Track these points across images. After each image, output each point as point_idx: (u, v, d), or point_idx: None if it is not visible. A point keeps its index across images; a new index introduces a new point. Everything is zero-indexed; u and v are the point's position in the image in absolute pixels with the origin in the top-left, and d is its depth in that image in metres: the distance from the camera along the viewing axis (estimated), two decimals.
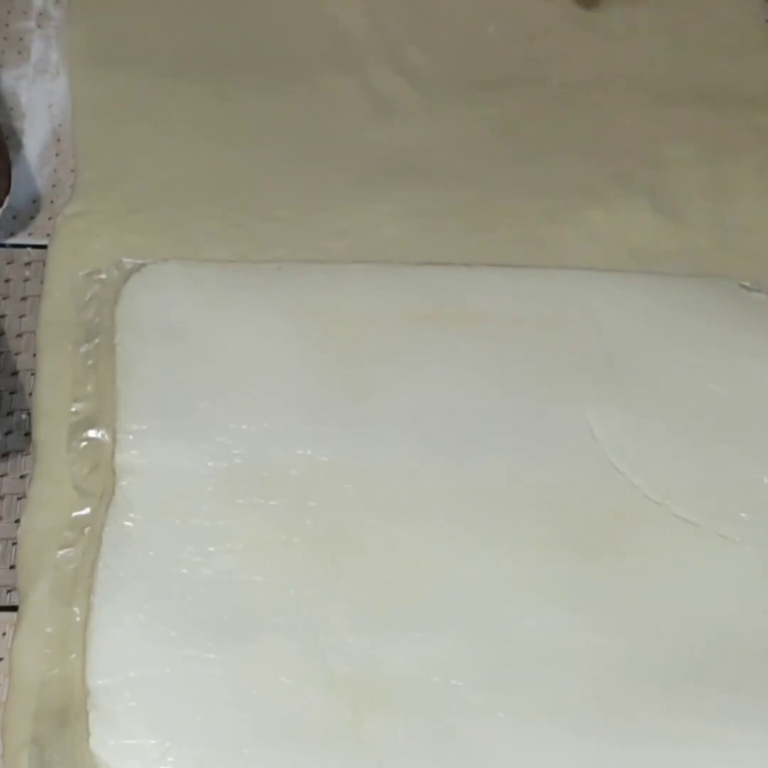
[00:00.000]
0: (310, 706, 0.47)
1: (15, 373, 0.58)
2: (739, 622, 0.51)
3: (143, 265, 0.59)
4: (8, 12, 0.72)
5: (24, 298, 0.61)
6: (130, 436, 0.53)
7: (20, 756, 0.46)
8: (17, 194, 0.63)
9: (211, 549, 0.50)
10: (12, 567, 0.52)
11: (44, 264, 0.60)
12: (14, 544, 0.52)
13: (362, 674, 0.48)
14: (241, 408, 0.54)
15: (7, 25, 0.72)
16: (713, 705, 0.48)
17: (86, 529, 0.51)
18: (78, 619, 0.49)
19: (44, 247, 0.61)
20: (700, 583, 0.51)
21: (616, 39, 0.71)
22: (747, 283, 0.60)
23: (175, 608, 0.49)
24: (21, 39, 0.71)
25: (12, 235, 0.63)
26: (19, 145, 0.66)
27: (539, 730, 0.47)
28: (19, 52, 0.71)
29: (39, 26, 0.72)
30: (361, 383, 0.56)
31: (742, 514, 0.53)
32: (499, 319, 0.59)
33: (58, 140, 0.67)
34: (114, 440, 0.53)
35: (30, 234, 0.63)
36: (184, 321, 0.57)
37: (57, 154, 0.66)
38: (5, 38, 0.71)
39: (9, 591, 0.52)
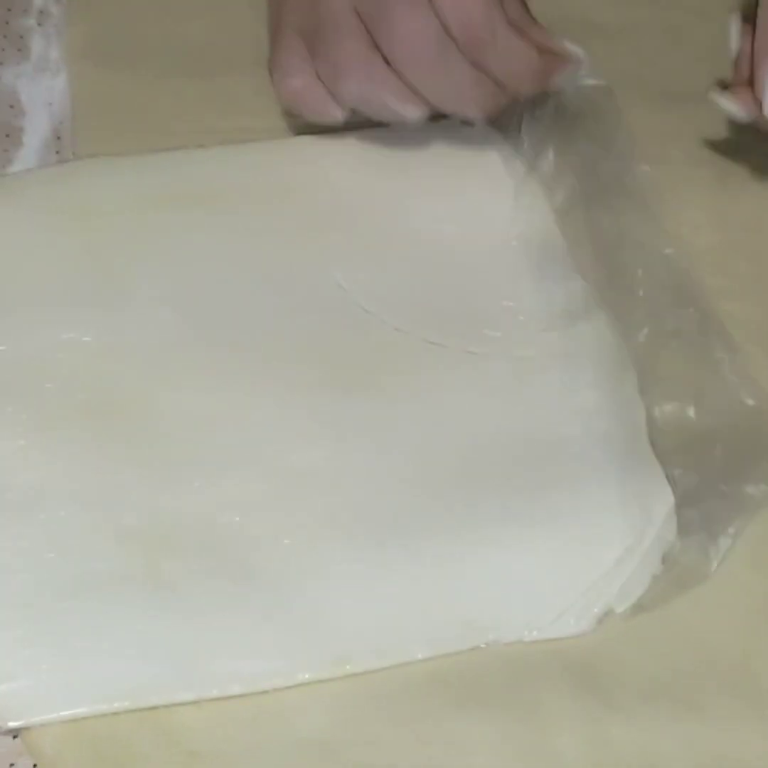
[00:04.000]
0: (103, 559, 0.49)
1: None
2: (500, 427, 0.55)
3: None
4: (8, 9, 0.72)
5: None
6: None
7: None
8: None
9: None
10: None
11: None
12: None
13: (151, 524, 0.51)
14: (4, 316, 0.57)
15: (7, 22, 0.72)
16: (487, 509, 0.52)
17: None
18: None
19: None
20: (459, 398, 0.56)
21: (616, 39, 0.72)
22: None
23: None
24: (21, 37, 0.71)
25: None
26: (19, 144, 0.66)
27: (323, 552, 0.51)
28: (19, 50, 0.71)
29: (39, 24, 0.72)
30: (114, 269, 0.59)
31: (485, 331, 0.58)
32: (235, 194, 0.62)
33: (59, 138, 0.67)
34: None
35: None
36: None
37: (57, 152, 0.66)
38: (5, 36, 0.71)
39: None
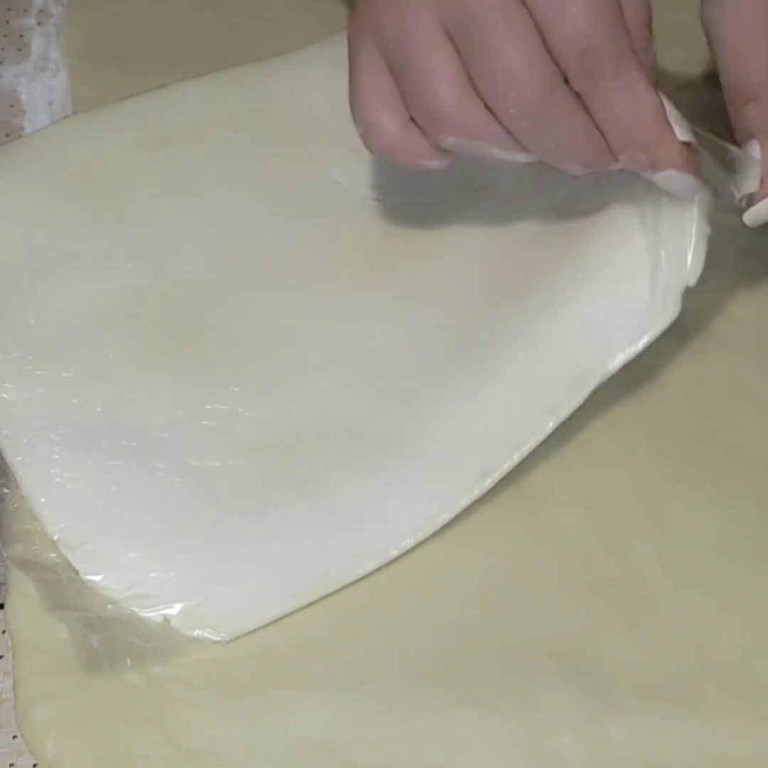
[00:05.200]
0: (243, 475, 0.52)
1: None
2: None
3: None
4: (8, 9, 0.72)
5: None
6: None
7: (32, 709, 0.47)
8: None
9: (98, 386, 0.54)
10: None
11: None
12: None
13: (274, 433, 0.53)
14: (46, 280, 0.57)
15: (7, 22, 0.72)
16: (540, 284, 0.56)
17: None
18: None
19: None
20: (481, 232, 0.60)
21: None
22: None
23: (89, 439, 0.52)
24: (21, 36, 0.71)
25: None
26: None
27: (422, 402, 0.54)
28: (19, 50, 0.71)
29: (39, 23, 0.72)
30: (133, 215, 0.60)
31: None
32: (220, 121, 0.64)
33: None
34: None
35: None
36: None
37: None
38: (5, 35, 0.71)
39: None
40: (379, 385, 0.55)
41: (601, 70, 0.47)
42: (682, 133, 0.50)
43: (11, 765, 0.47)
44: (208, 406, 0.54)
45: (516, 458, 0.53)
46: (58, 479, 0.51)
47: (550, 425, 0.53)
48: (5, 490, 0.52)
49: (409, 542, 0.51)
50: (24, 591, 0.50)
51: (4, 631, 0.50)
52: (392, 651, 0.49)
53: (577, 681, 0.49)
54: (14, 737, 0.47)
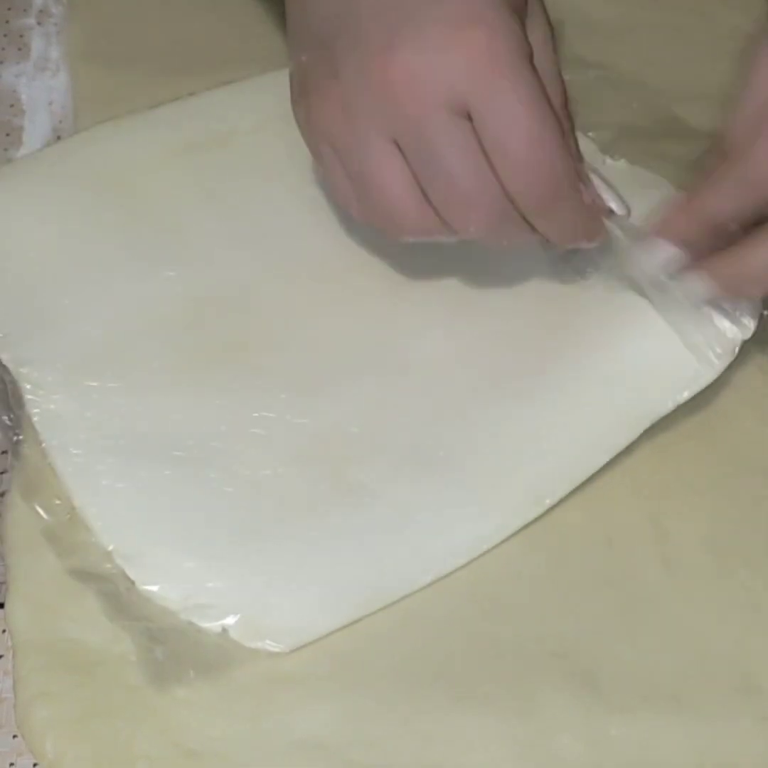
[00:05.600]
0: (293, 483, 0.52)
1: None
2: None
3: None
4: (8, 9, 0.72)
5: None
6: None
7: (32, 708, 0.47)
8: None
9: (146, 395, 0.54)
10: None
11: None
12: None
13: (321, 440, 0.53)
14: (90, 289, 0.57)
15: (7, 22, 0.72)
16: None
17: None
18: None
19: None
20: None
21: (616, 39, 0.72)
22: None
23: (139, 449, 0.52)
24: (21, 36, 0.71)
25: None
26: (19, 143, 0.66)
27: (476, 416, 0.54)
28: (19, 49, 0.71)
29: (39, 23, 0.72)
30: (169, 222, 0.60)
31: None
32: (249, 129, 0.64)
33: (59, 137, 0.67)
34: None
35: None
36: None
37: None
38: (5, 35, 0.71)
39: None
40: (428, 395, 0.55)
41: (548, 200, 0.49)
42: (619, 209, 0.53)
43: (11, 765, 0.47)
44: (256, 414, 0.54)
45: (569, 488, 0.53)
46: (110, 490, 0.51)
47: (604, 461, 0.53)
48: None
49: (462, 560, 0.51)
50: (24, 591, 0.50)
51: (4, 631, 0.50)
52: (392, 651, 0.49)
53: (577, 681, 0.49)
54: (14, 737, 0.47)
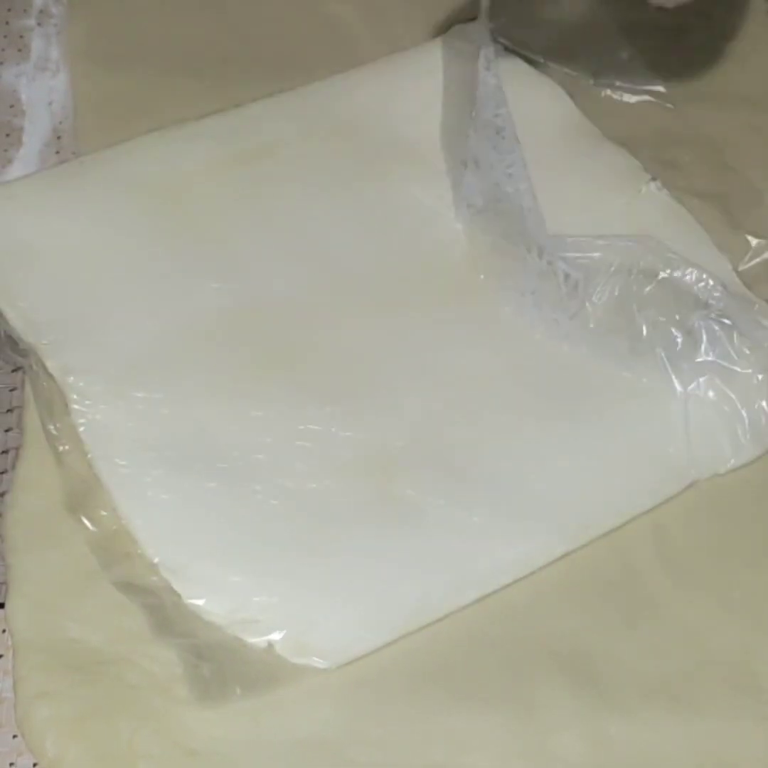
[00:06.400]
0: (338, 496, 0.52)
1: None
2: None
3: None
4: (9, 9, 0.72)
5: None
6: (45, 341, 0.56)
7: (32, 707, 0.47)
8: None
9: (191, 406, 0.54)
10: None
11: None
12: None
13: (365, 453, 0.53)
14: (137, 299, 0.57)
15: (7, 22, 0.72)
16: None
17: None
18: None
19: None
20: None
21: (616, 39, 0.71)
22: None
23: (185, 461, 0.52)
24: (21, 36, 0.71)
25: None
26: (19, 143, 0.66)
27: (519, 438, 0.54)
28: (20, 50, 0.71)
29: (39, 24, 0.72)
30: (215, 234, 0.60)
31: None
32: (294, 140, 0.64)
33: (59, 138, 0.67)
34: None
35: None
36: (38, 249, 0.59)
37: (57, 152, 0.66)
38: (5, 36, 0.71)
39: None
40: (472, 413, 0.55)
41: None
42: None
43: (11, 764, 0.47)
44: (301, 427, 0.53)
45: (616, 523, 0.53)
46: (156, 501, 0.51)
47: (648, 505, 0.53)
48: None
49: (508, 579, 0.51)
50: (24, 590, 0.50)
51: (4, 631, 0.50)
52: (392, 651, 0.49)
53: (577, 681, 0.49)
54: (14, 736, 0.47)
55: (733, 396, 0.55)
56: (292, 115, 0.65)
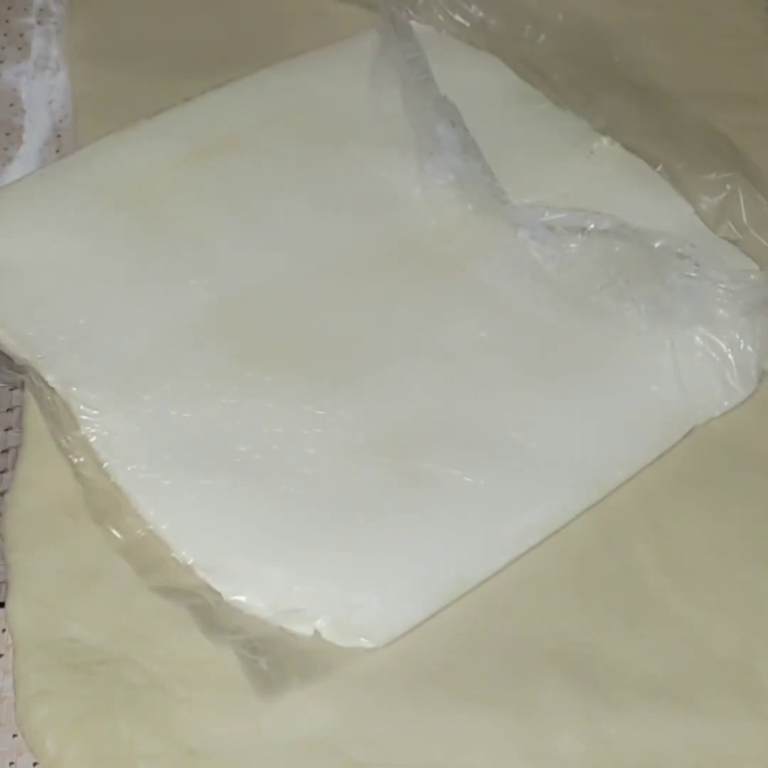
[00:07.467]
0: (356, 476, 0.52)
1: None
2: None
3: None
4: (9, 8, 0.72)
5: None
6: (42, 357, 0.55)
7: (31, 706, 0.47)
8: None
9: (196, 405, 0.54)
10: None
11: None
12: None
13: (378, 433, 0.53)
14: (120, 303, 0.57)
15: (7, 21, 0.72)
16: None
17: None
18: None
19: None
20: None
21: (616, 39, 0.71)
22: None
23: (200, 459, 0.52)
24: (21, 35, 0.71)
25: None
26: (19, 142, 0.66)
27: (526, 402, 0.55)
28: (20, 48, 0.71)
29: (39, 22, 0.72)
30: (187, 230, 0.60)
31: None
32: (253, 128, 0.64)
33: (59, 136, 0.67)
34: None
35: None
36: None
37: (57, 150, 0.66)
38: (5, 34, 0.71)
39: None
40: (474, 383, 0.55)
41: None
42: None
43: (11, 764, 0.47)
44: (310, 413, 0.54)
45: (624, 476, 0.54)
46: (179, 503, 0.51)
47: (654, 456, 0.54)
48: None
49: (533, 541, 0.52)
50: (24, 589, 0.50)
51: (4, 630, 0.50)
52: (392, 651, 0.49)
53: (577, 681, 0.49)
54: (14, 736, 0.47)
55: (719, 342, 0.56)
56: (246, 105, 0.65)
